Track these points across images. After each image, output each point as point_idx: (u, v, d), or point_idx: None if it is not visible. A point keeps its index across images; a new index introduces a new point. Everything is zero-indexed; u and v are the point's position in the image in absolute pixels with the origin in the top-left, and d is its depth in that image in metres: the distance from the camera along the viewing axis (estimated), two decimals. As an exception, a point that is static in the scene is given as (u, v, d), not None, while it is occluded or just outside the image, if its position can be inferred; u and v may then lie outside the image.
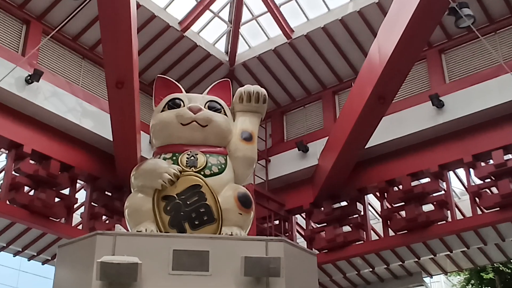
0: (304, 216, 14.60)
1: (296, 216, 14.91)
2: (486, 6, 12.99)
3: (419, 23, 10.18)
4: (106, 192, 13.33)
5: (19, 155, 11.82)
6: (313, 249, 13.31)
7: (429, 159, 12.71)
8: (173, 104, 5.04)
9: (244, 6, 15.00)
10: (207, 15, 14.89)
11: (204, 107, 5.01)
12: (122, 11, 10.36)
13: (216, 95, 5.21)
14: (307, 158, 14.26)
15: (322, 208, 13.93)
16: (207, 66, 15.27)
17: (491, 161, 12.08)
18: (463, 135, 12.43)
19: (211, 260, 4.27)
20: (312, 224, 14.30)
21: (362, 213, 13.66)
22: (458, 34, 13.43)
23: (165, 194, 4.69)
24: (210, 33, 15.28)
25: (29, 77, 11.78)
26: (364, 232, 13.44)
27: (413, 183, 12.93)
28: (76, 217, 13.14)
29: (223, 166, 4.89)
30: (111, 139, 12.24)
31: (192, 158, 4.83)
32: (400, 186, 13.11)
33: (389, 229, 13.19)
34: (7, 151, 12.04)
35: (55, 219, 12.29)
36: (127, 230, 4.85)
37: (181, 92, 5.22)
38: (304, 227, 14.58)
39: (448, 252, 13.57)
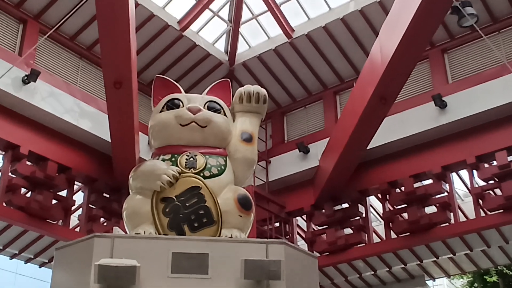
0: (305, 218, 14.60)
1: (297, 218, 14.91)
2: (489, 5, 12.99)
3: (422, 22, 10.18)
4: (104, 194, 13.33)
5: (15, 156, 11.82)
6: (314, 251, 13.31)
7: (431, 160, 12.70)
8: (172, 105, 5.04)
9: (244, 5, 15.01)
10: (206, 14, 14.90)
11: (204, 107, 5.01)
12: (120, 10, 10.36)
13: (216, 95, 5.22)
14: (308, 159, 14.26)
15: (323, 210, 13.93)
16: (207, 66, 15.28)
17: (495, 162, 12.08)
18: (466, 136, 12.43)
19: (211, 263, 4.26)
20: (313, 226, 14.30)
21: (363, 215, 13.66)
22: (461, 34, 13.43)
23: (164, 196, 4.69)
24: (210, 33, 15.29)
25: (26, 77, 11.78)
26: (366, 235, 13.44)
27: (416, 185, 12.92)
28: (74, 219, 13.13)
29: (222, 167, 4.89)
30: (109, 140, 12.24)
31: (191, 159, 4.83)
32: (402, 188, 13.10)
33: (391, 231, 13.18)
34: (3, 152, 12.04)
35: (52, 222, 12.29)
36: (125, 233, 4.85)
37: (180, 92, 5.22)
38: (305, 230, 14.57)
39: (451, 255, 13.56)
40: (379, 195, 13.75)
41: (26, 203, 11.67)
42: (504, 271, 19.77)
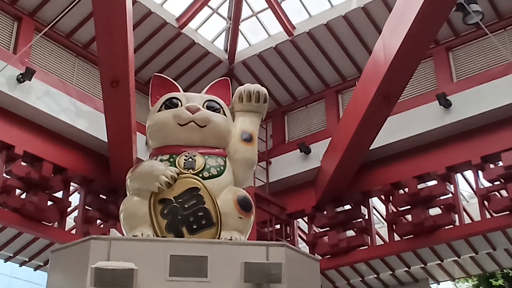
0: (306, 220, 14.60)
1: (298, 220, 14.91)
2: (495, 2, 13.00)
3: (426, 19, 10.18)
4: (101, 195, 13.34)
5: (10, 156, 11.82)
6: (316, 254, 13.33)
7: (436, 161, 12.71)
8: (170, 104, 5.04)
9: (244, 2, 15.01)
10: (205, 11, 14.90)
11: (203, 106, 5.01)
12: (117, 7, 10.36)
13: (215, 94, 5.21)
14: (309, 160, 14.26)
15: (325, 212, 13.93)
16: (206, 64, 15.28)
17: (501, 163, 12.08)
18: (472, 136, 12.43)
19: (210, 266, 4.26)
20: (315, 228, 14.30)
21: (366, 217, 13.66)
22: (466, 31, 13.43)
23: (162, 197, 4.68)
24: (209, 30, 15.30)
25: (20, 76, 11.78)
26: (369, 237, 13.44)
27: (420, 186, 12.92)
28: (70, 221, 13.14)
29: (222, 168, 4.89)
30: (106, 140, 12.24)
31: (190, 159, 4.83)
32: (406, 189, 13.10)
33: (395, 233, 13.19)
34: (-2, 153, 12.04)
35: (47, 224, 12.29)
36: (123, 235, 4.85)
37: (179, 91, 5.22)
38: (306, 232, 14.58)
39: (456, 258, 13.57)
40: (382, 197, 13.76)
41: (21, 205, 11.67)
42: (510, 274, 19.75)
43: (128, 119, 11.73)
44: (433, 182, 12.99)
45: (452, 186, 12.73)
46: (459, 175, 13.23)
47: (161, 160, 4.88)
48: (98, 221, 13.18)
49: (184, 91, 5.28)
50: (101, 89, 11.55)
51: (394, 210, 13.39)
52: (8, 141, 11.79)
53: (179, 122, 4.93)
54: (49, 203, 12.29)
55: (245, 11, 15.22)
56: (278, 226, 14.54)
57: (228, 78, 5.53)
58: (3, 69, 10.54)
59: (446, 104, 12.57)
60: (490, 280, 20.27)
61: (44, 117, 12.23)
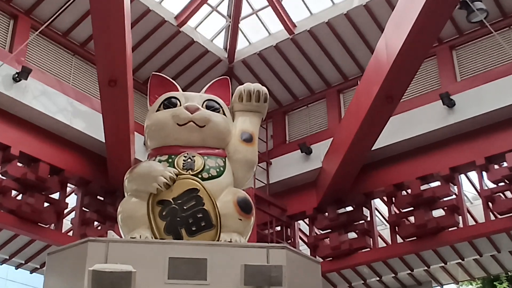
0: (307, 222, 14.60)
1: (299, 222, 14.91)
2: (499, 0, 12.99)
3: (429, 17, 10.18)
4: (98, 197, 13.32)
5: (6, 157, 11.82)
6: (317, 257, 13.32)
7: (439, 162, 12.70)
8: (169, 104, 5.04)
9: (243, -1, 15.04)
10: (204, 9, 14.90)
11: (202, 106, 5.02)
12: (115, 5, 10.36)
13: (215, 93, 5.22)
14: (311, 160, 14.26)
15: (326, 214, 13.92)
16: (205, 63, 15.28)
17: (505, 164, 12.07)
18: (476, 136, 12.43)
19: (209, 268, 4.27)
20: (316, 230, 14.30)
21: (368, 218, 13.66)
22: (470, 29, 13.43)
23: (160, 198, 4.69)
24: (208, 29, 15.30)
25: (16, 75, 11.77)
26: (371, 239, 13.43)
27: (423, 187, 12.92)
28: (67, 223, 13.13)
29: (221, 169, 4.89)
30: (104, 141, 12.24)
31: (189, 160, 4.83)
32: (409, 190, 13.10)
33: (397, 235, 13.18)
34: (-7, 153, 12.05)
35: (44, 225, 12.29)
36: (121, 237, 4.85)
37: (178, 90, 5.23)
38: (307, 234, 14.58)
39: (460, 260, 13.56)
40: (385, 198, 13.75)
41: (17, 206, 11.66)
42: (515, 277, 19.76)
43: (126, 119, 11.73)
44: (436, 183, 12.98)
45: (455, 187, 12.73)
46: (463, 176, 13.22)
47: (160, 161, 4.89)
48: (96, 223, 13.17)
49: (183, 90, 5.29)
50: (99, 88, 11.55)
51: (397, 211, 13.38)
52: (4, 141, 11.78)
53: (178, 122, 4.94)
54: (46, 204, 12.29)
55: (245, 9, 15.22)
56: (278, 228, 14.54)
57: (227, 77, 5.53)
58: (-2, 68, 10.55)
59: (449, 103, 12.57)
60: (494, 283, 20.25)
61: (40, 117, 12.23)
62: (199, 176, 4.76)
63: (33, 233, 12.24)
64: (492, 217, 12.29)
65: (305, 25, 14.68)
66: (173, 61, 14.89)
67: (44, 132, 12.43)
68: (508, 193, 12.18)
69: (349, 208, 13.97)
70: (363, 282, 14.56)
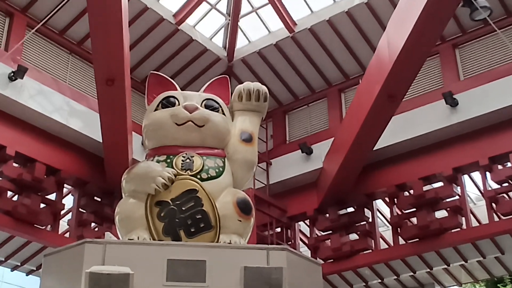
0: (308, 223, 14.60)
1: (299, 223, 14.92)
2: (503, -3, 13.02)
3: (432, 15, 10.18)
4: (95, 198, 13.33)
5: (1, 157, 11.81)
6: (318, 258, 13.32)
7: (442, 162, 12.71)
8: (167, 103, 5.04)
9: (243, -3, 15.04)
10: (203, 7, 14.91)
11: (201, 105, 5.01)
12: (112, 2, 10.36)
13: (214, 93, 5.21)
14: (311, 161, 14.27)
15: (327, 215, 13.93)
16: (204, 62, 15.29)
17: (509, 164, 12.08)
18: (479, 136, 12.43)
19: (208, 270, 4.26)
20: (317, 231, 14.30)
21: (370, 220, 13.67)
22: (473, 28, 13.44)
23: (158, 199, 4.68)
24: (207, 27, 15.31)
25: (12, 74, 11.77)
26: (373, 241, 13.44)
27: (425, 188, 12.92)
28: (63, 224, 13.14)
29: (221, 169, 4.89)
30: (101, 141, 12.24)
31: (188, 160, 4.83)
32: (411, 191, 13.11)
33: (399, 237, 13.19)
34: (-12, 154, 12.05)
35: (40, 227, 12.29)
36: (118, 238, 4.85)
37: (176, 89, 5.22)
38: (308, 235, 14.58)
39: (463, 262, 13.56)
40: (387, 199, 13.76)
41: (13, 207, 11.66)
42: (519, 279, 19.76)
43: (123, 118, 11.73)
44: (439, 184, 12.99)
45: (459, 187, 12.72)
46: (466, 177, 13.23)
47: (158, 161, 4.88)
48: (93, 224, 13.17)
49: (182, 89, 5.28)
50: (96, 87, 11.55)
51: (399, 212, 13.39)
52: (0, 141, 11.78)
53: (176, 121, 4.94)
54: (42, 205, 12.29)
55: (245, 7, 15.23)
56: (278, 230, 14.55)
57: (227, 76, 5.52)
58: (-6, 67, 10.54)
59: (452, 103, 12.58)
60: (498, 285, 20.25)
61: (36, 116, 12.23)
62: (198, 176, 4.75)
63: (29, 235, 12.24)
64: (496, 218, 12.29)
65: (305, 23, 14.69)
66: (171, 60, 14.90)
67: (40, 132, 12.43)
68: (512, 194, 12.19)
69: (351, 209, 13.97)
70: (364, 284, 14.57)
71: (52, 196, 12.69)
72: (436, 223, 12.49)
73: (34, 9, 13.03)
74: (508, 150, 12.03)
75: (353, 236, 13.78)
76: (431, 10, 10.05)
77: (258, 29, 15.52)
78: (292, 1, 14.80)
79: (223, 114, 5.10)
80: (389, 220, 13.92)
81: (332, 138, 13.57)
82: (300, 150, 14.42)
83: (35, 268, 13.80)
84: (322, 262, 13.30)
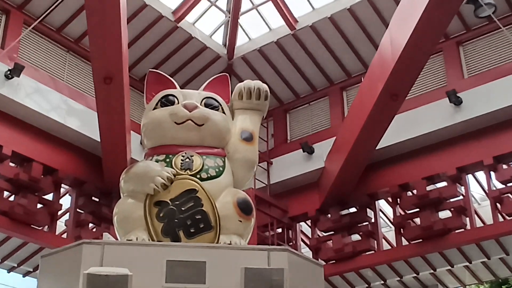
0: (310, 224, 14.60)
1: (301, 223, 14.92)
2: (508, -6, 13.01)
3: (435, 12, 10.18)
4: (93, 198, 13.34)
5: (-2, 157, 11.84)
6: (319, 259, 13.32)
7: (446, 162, 12.71)
8: (167, 101, 5.04)
9: (243, -6, 15.04)
10: (203, 4, 14.91)
11: (200, 104, 5.01)
12: (110, -1, 10.38)
13: (214, 91, 5.22)
14: (313, 160, 14.26)
15: (329, 215, 13.93)
16: (204, 60, 15.29)
17: (514, 164, 12.10)
18: (484, 135, 12.43)
19: (208, 271, 4.26)
20: (318, 232, 14.30)
21: (372, 220, 13.67)
22: (478, 25, 13.43)
23: (157, 199, 4.68)
24: (207, 24, 15.31)
25: (9, 72, 11.78)
26: (375, 241, 13.44)
27: (429, 188, 12.93)
28: (61, 225, 13.14)
29: (221, 169, 4.89)
30: (99, 140, 12.25)
31: (187, 160, 4.83)
32: (415, 191, 13.11)
33: (402, 238, 13.19)
34: (-16, 153, 12.05)
35: (37, 227, 12.29)
36: (116, 239, 4.85)
37: (175, 88, 5.22)
38: (310, 236, 14.58)
39: (467, 263, 13.58)
40: (389, 199, 13.76)
41: (10, 208, 11.67)
42: (524, 281, 19.76)
43: (122, 117, 11.73)
44: (443, 184, 12.99)
45: (463, 187, 12.73)
46: (470, 176, 13.24)
47: (157, 161, 4.88)
48: (91, 224, 13.18)
49: (181, 87, 5.28)
50: (94, 85, 11.55)
51: (402, 213, 13.39)
52: (-4, 140, 11.81)
53: (175, 120, 4.94)
54: (39, 206, 12.29)
55: (245, 4, 15.22)
56: (279, 230, 14.55)
57: (227, 74, 5.53)
58: (-10, 65, 10.55)
59: (456, 101, 12.57)
60: (502, 286, 20.23)
61: (33, 115, 12.23)
62: (198, 176, 4.75)
63: (26, 235, 12.24)
64: (501, 219, 12.30)
65: (307, 20, 14.68)
66: (170, 58, 14.90)
67: (37, 131, 12.43)
68: (517, 194, 12.18)
69: (353, 210, 13.98)
70: (367, 286, 14.58)
71: (49, 196, 12.70)
72: (440, 224, 12.49)
73: (31, 6, 13.03)
74: (513, 150, 12.04)
75: (355, 237, 13.78)
76: (435, 6, 10.06)
77: (259, 26, 15.52)
78: (293, -2, 14.82)
79: (223, 112, 5.10)
80: (392, 220, 13.93)
81: (334, 137, 13.57)
82: (301, 150, 14.42)
83: (32, 270, 13.81)
84: (324, 263, 13.27)
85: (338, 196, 13.63)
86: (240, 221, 4.74)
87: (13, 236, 12.38)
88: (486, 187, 12.97)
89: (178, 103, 5.00)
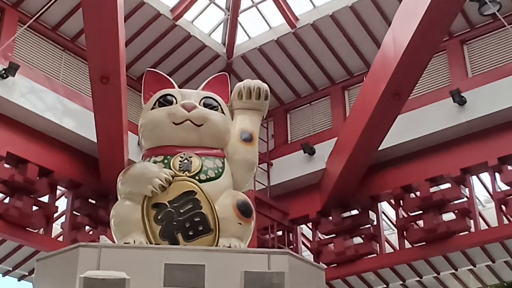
0: (311, 226, 14.61)
1: (302, 226, 14.92)
2: (513, -8, 13.02)
3: (439, 10, 10.18)
4: (90, 200, 13.34)
5: (-8, 158, 11.84)
6: (321, 263, 13.31)
7: (449, 163, 12.71)
8: (165, 101, 5.04)
9: (243, -8, 15.05)
10: (202, 1, 14.92)
11: (199, 104, 5.01)
12: (107, -3, 10.39)
13: (213, 91, 5.21)
14: (314, 161, 14.27)
15: (331, 218, 13.94)
16: (202, 59, 15.29)
17: (519, 165, 12.11)
18: (488, 136, 12.44)
19: (207, 275, 4.26)
20: (320, 235, 14.31)
21: (375, 223, 13.67)
22: (482, 23, 13.45)
23: (155, 201, 4.68)
24: (206, 22, 15.32)
25: (3, 71, 11.78)
26: (378, 244, 13.45)
27: (432, 189, 12.93)
28: (56, 228, 13.14)
29: (220, 170, 4.88)
30: (95, 141, 12.25)
31: (186, 161, 4.83)
32: (418, 193, 13.12)
33: (405, 240, 13.20)
34: (-21, 154, 12.05)
35: (33, 230, 12.29)
36: (113, 242, 4.85)
37: (174, 87, 5.22)
38: (311, 239, 14.58)
39: (471, 267, 13.58)
40: (392, 201, 13.77)
41: (4, 210, 11.67)
42: (529, 284, 19.76)
43: (119, 117, 11.73)
44: (446, 185, 13.01)
45: (467, 189, 12.74)
46: (474, 178, 13.24)
47: (155, 162, 4.88)
48: (87, 227, 13.17)
49: (180, 87, 5.28)
50: (90, 85, 11.56)
51: (405, 215, 13.40)
52: (-10, 141, 11.81)
53: (174, 120, 4.93)
54: (35, 208, 12.28)
55: (245, 2, 15.23)
56: (280, 233, 14.55)
57: (226, 74, 5.52)
58: (-16, 64, 10.55)
59: (460, 101, 12.58)
60: (507, 290, 20.26)
61: (28, 115, 12.23)
62: (197, 177, 4.75)
63: (21, 238, 12.24)
64: (506, 221, 12.31)
65: (307, 19, 14.69)
66: (168, 57, 14.90)
67: (33, 131, 12.43)
68: (522, 196, 12.19)
69: (355, 212, 13.99)
70: (369, 289, 14.58)
71: (45, 199, 12.69)
72: (444, 226, 12.49)
73: (26, 4, 13.02)
74: (518, 150, 12.05)
75: (357, 240, 13.78)
76: (438, 4, 10.07)
77: (259, 25, 15.53)
78: (294, -4, 14.83)
79: (223, 113, 5.09)
80: (394, 223, 13.94)
81: (336, 138, 13.58)
82: (302, 150, 14.42)
83: (27, 273, 13.79)
84: (325, 266, 13.29)
85: (339, 198, 13.63)
86: (240, 223, 4.73)
87: (8, 239, 12.38)
88: (490, 189, 12.98)
89: (177, 103, 5.00)
